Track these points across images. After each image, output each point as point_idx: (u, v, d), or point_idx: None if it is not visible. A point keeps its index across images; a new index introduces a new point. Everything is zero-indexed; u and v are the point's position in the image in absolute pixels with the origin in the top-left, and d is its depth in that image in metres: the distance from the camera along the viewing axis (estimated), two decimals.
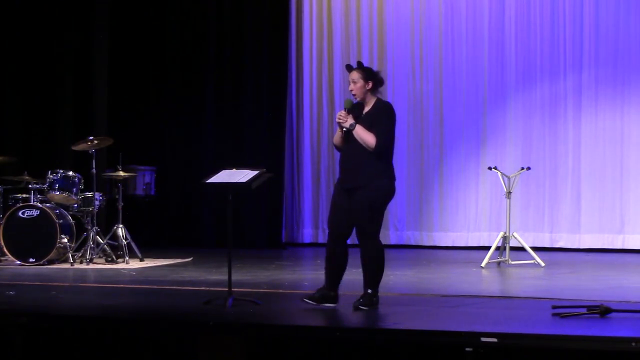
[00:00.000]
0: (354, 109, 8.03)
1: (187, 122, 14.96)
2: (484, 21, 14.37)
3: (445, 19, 14.51)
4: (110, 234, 12.27)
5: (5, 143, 14.17)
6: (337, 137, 8.09)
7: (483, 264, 11.67)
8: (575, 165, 14.00)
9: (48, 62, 14.54)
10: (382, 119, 7.94)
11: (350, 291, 8.51)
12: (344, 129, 7.95)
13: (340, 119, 7.96)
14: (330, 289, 8.09)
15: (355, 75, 8.02)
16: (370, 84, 8.00)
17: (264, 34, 14.83)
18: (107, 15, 14.90)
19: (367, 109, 8.02)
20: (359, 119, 7.95)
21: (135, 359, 7.25)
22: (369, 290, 7.97)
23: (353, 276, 8.61)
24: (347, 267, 8.15)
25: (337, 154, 8.29)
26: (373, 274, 7.99)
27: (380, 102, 8.06)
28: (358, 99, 8.04)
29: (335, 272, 8.09)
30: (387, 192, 7.99)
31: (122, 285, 10.04)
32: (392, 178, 8.03)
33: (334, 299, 8.09)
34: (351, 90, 8.02)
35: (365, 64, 15.62)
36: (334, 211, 8.08)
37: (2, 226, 12.07)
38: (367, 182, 7.89)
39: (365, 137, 7.87)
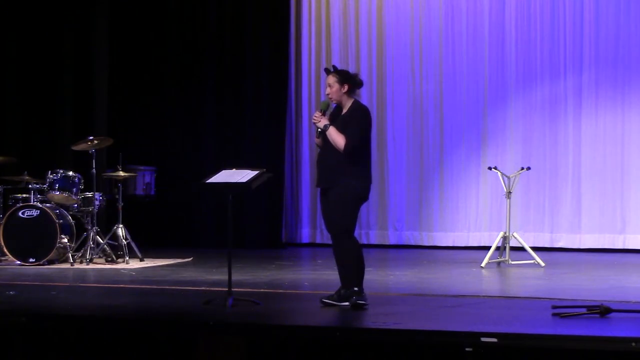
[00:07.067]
0: (329, 111, 8.19)
1: (187, 122, 14.97)
2: (484, 21, 14.37)
3: (445, 19, 14.51)
4: (110, 234, 12.26)
5: (5, 143, 14.17)
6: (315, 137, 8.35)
7: (483, 264, 11.67)
8: (576, 165, 14.00)
9: (48, 62, 14.53)
10: (354, 121, 8.05)
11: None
12: (318, 130, 8.13)
13: (315, 119, 8.15)
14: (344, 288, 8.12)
15: (330, 79, 8.14)
16: (346, 87, 8.10)
17: (264, 34, 14.84)
18: (107, 15, 14.90)
19: (344, 111, 8.14)
20: (335, 121, 8.08)
21: (136, 359, 7.24)
22: (355, 288, 7.99)
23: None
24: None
25: None
26: (353, 272, 8.01)
27: (355, 105, 8.15)
28: (335, 102, 8.17)
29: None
30: (356, 191, 8.00)
31: (122, 285, 10.03)
32: (363, 179, 8.06)
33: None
34: (328, 94, 8.14)
35: (365, 64, 15.61)
36: (322, 212, 8.28)
37: (2, 226, 12.07)
38: (337, 181, 7.98)
39: (336, 138, 8.00)
